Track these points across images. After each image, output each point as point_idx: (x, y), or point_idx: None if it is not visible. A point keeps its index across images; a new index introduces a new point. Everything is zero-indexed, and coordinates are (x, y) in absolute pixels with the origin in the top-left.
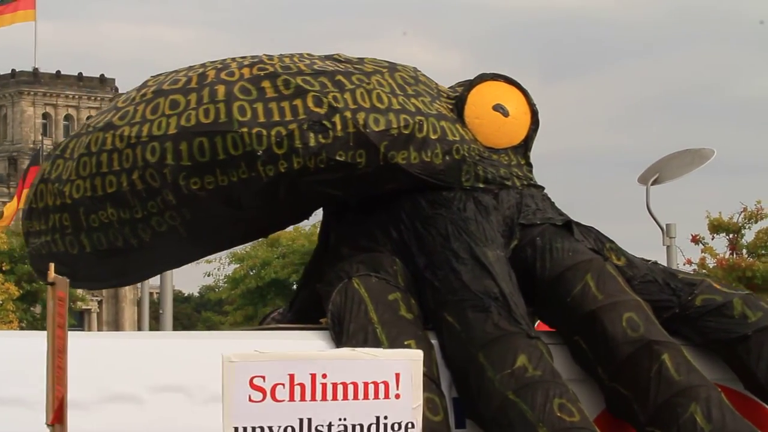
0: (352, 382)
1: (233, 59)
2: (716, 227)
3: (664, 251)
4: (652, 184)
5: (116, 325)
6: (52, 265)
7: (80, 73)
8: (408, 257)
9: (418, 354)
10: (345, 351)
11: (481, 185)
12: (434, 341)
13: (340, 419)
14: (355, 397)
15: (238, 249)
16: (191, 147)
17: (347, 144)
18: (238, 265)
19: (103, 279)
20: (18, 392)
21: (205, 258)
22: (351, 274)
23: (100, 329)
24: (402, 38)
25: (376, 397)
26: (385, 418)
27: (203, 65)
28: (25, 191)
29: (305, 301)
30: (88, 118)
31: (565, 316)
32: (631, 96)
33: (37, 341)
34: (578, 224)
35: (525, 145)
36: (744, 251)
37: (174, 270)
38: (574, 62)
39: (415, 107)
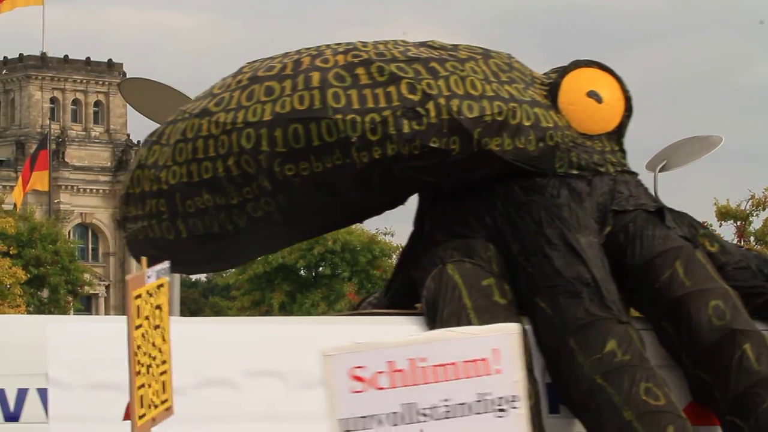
0: (451, 363)
1: (328, 46)
2: (724, 214)
3: None
4: (659, 171)
5: (123, 309)
6: (144, 259)
7: (88, 58)
8: (502, 243)
9: (513, 327)
10: (440, 332)
11: (575, 171)
12: (527, 326)
13: (443, 400)
14: (456, 377)
15: None
16: (286, 133)
17: (441, 131)
18: None
19: (199, 264)
20: (110, 377)
21: None
22: (445, 260)
23: (107, 314)
24: (406, 25)
25: (477, 374)
26: (489, 394)
27: (298, 52)
28: (35, 174)
29: (401, 285)
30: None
31: (653, 301)
32: (636, 83)
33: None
34: (671, 210)
35: (618, 132)
36: (752, 238)
37: None
38: (578, 50)
39: (509, 94)
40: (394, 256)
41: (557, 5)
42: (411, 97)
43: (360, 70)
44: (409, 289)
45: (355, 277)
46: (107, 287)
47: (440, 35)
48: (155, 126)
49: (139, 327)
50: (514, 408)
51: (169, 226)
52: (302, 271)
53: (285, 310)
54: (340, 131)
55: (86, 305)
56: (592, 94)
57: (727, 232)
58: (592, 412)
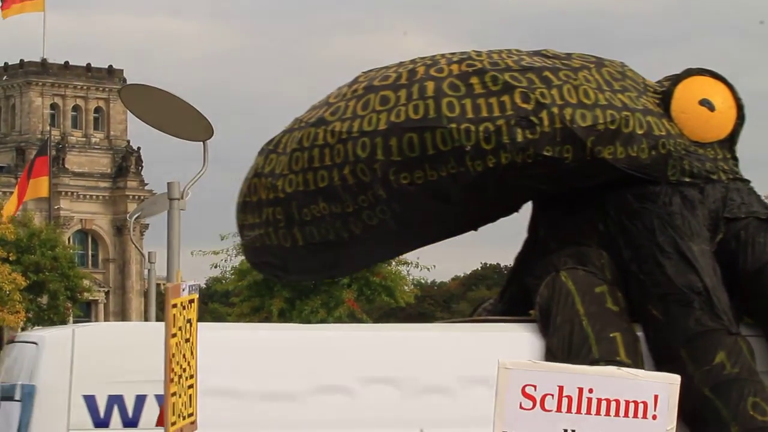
0: (614, 399)
1: (442, 55)
2: None
3: None
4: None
5: (123, 315)
6: (179, 272)
7: (88, 64)
8: (614, 250)
9: (675, 378)
10: (611, 369)
11: (687, 179)
12: (639, 333)
13: None
14: (617, 414)
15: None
16: (401, 142)
17: (554, 139)
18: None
19: (316, 271)
20: (230, 384)
21: (212, 249)
22: (559, 268)
23: (106, 320)
24: (404, 31)
25: (636, 416)
26: None
27: (413, 61)
28: (33, 181)
29: (515, 292)
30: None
31: (764, 308)
32: None
33: (245, 334)
34: None
35: (731, 139)
36: None
37: (180, 261)
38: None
39: (622, 102)
40: (394, 263)
41: (554, 11)
42: (524, 106)
43: (474, 80)
44: (523, 295)
45: (355, 283)
46: (107, 293)
47: (438, 40)
48: (156, 133)
49: (174, 336)
50: None
51: (286, 234)
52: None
53: (284, 316)
54: (455, 140)
55: (85, 311)
56: (705, 103)
57: None
58: (700, 424)
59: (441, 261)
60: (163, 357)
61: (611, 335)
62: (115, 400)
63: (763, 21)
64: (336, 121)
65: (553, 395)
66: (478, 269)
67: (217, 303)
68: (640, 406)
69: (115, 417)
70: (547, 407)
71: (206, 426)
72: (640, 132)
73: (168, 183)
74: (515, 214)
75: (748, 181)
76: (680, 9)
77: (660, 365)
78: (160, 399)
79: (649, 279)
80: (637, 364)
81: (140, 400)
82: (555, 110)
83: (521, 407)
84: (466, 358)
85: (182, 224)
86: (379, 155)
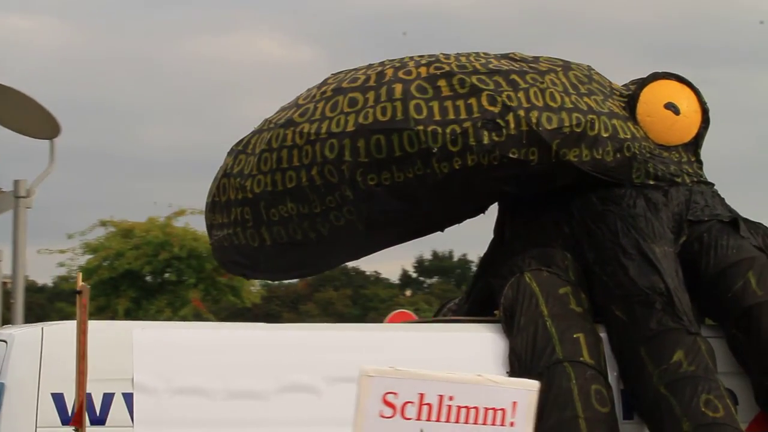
0: (474, 407)
1: (411, 58)
2: None
3: None
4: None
5: None
6: (80, 275)
7: None
8: (578, 252)
9: (534, 384)
10: (473, 376)
11: (652, 182)
12: (603, 334)
13: None
14: (476, 422)
15: (92, 239)
16: (368, 144)
17: (520, 142)
18: (92, 256)
19: (284, 270)
20: (196, 382)
21: (59, 248)
22: (523, 269)
23: None
24: (249, 33)
25: (494, 423)
26: None
27: (382, 63)
28: None
29: (481, 292)
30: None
31: (725, 310)
32: None
33: (212, 333)
34: (746, 221)
35: (695, 143)
36: None
37: (27, 259)
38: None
39: (588, 106)
40: None
41: (406, 13)
42: (491, 108)
43: (442, 82)
44: (488, 296)
45: (201, 283)
46: None
47: (284, 41)
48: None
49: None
50: None
51: (254, 234)
52: (148, 278)
53: (130, 315)
54: (422, 142)
55: None
56: (670, 106)
57: None
58: (656, 421)
59: None
60: (130, 355)
61: (575, 336)
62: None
63: (763, 21)
64: (304, 122)
65: (413, 403)
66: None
67: (64, 302)
68: (498, 413)
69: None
70: (407, 415)
71: (175, 424)
72: (605, 135)
73: (14, 181)
74: (482, 215)
75: (712, 184)
76: (536, 14)
77: (622, 365)
78: (128, 397)
79: (612, 280)
80: (600, 364)
81: (108, 398)
82: (521, 113)
83: (381, 415)
84: (431, 358)
85: (29, 222)
86: (346, 156)
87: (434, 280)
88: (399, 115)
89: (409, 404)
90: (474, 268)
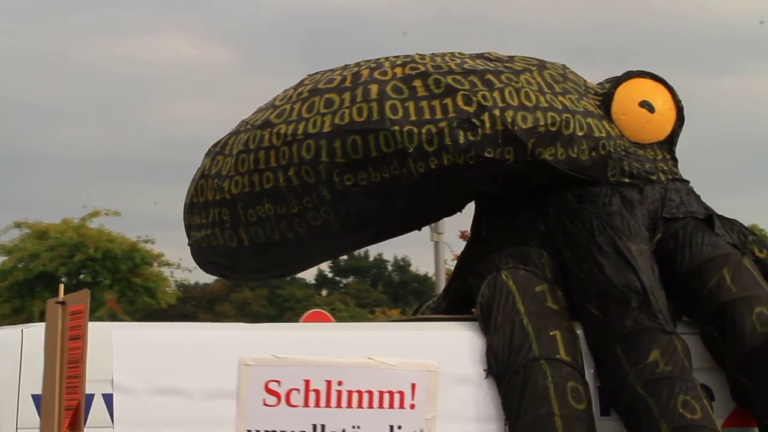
0: (367, 391)
1: (386, 59)
2: None
3: (432, 246)
4: None
5: None
6: (61, 287)
7: None
8: (555, 250)
9: (435, 366)
10: (362, 359)
11: (627, 180)
12: (579, 331)
13: (354, 426)
14: (370, 406)
15: (6, 241)
16: (345, 144)
17: (495, 141)
18: (6, 258)
19: (262, 271)
20: (176, 382)
21: None
22: (500, 267)
23: None
24: (166, 34)
25: (391, 406)
26: (399, 428)
27: (358, 64)
28: None
29: (458, 290)
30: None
31: (700, 307)
32: None
33: (191, 333)
34: (721, 218)
35: (670, 141)
36: None
37: None
38: (341, 58)
39: (563, 105)
40: (156, 264)
41: (320, 13)
42: (467, 108)
43: (417, 83)
44: (466, 294)
45: (116, 285)
46: None
47: (197, 42)
48: None
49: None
50: None
51: (232, 235)
52: (63, 279)
53: (44, 317)
54: (398, 142)
55: None
56: (645, 104)
57: None
58: (634, 420)
59: None
60: (109, 356)
61: (551, 333)
62: None
63: (763, 21)
64: (281, 123)
65: (299, 390)
66: None
67: None
68: (396, 396)
69: None
70: (293, 402)
71: (155, 425)
72: (580, 134)
73: None
74: (458, 214)
75: (687, 182)
76: (447, 16)
77: (599, 362)
78: (108, 398)
79: (588, 278)
80: (577, 361)
81: (88, 399)
82: (497, 112)
83: (265, 404)
84: (407, 356)
85: None
86: (323, 157)
87: (350, 279)
88: (375, 115)
89: (295, 391)
90: (390, 268)
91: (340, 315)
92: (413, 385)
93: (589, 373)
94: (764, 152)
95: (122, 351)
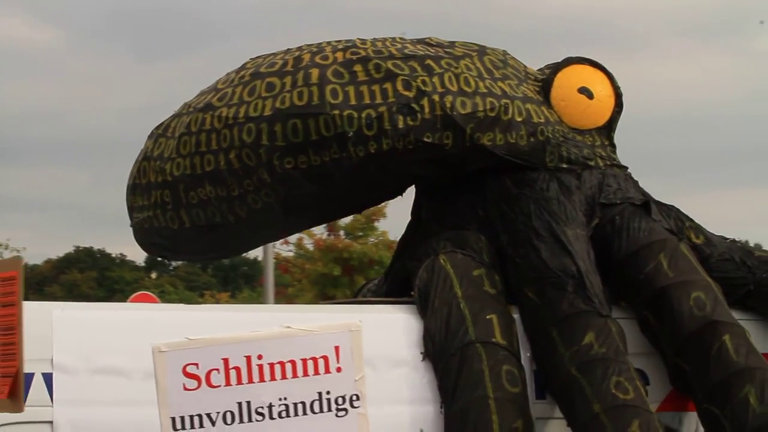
0: (289, 360)
1: (328, 43)
2: None
3: None
4: None
5: None
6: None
7: None
8: (493, 234)
9: (356, 325)
10: (279, 329)
11: (565, 165)
12: (516, 315)
13: (280, 399)
14: (294, 375)
15: None
16: (285, 128)
17: (435, 126)
18: None
19: (203, 252)
20: (115, 362)
21: None
22: (438, 251)
23: None
24: (14, 24)
25: (316, 372)
26: (328, 393)
27: (300, 48)
28: None
29: (398, 273)
30: None
31: (637, 292)
32: None
33: (133, 314)
34: (658, 203)
35: (609, 127)
36: (342, 233)
37: None
38: (173, 42)
39: (502, 90)
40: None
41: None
42: (406, 93)
43: (358, 67)
44: (406, 277)
45: None
46: None
47: (32, 23)
48: None
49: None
50: (354, 407)
51: (173, 216)
52: None
53: None
54: (338, 126)
55: None
56: (584, 90)
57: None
58: (567, 402)
59: (33, 243)
60: (49, 336)
61: (488, 317)
62: None
63: (763, 21)
64: (223, 106)
65: (218, 370)
66: (71, 252)
67: None
68: (320, 362)
69: None
70: (214, 383)
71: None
72: (519, 119)
73: None
74: (399, 197)
75: (625, 167)
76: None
77: (534, 346)
78: (48, 377)
79: (525, 262)
80: (513, 345)
81: (27, 378)
82: (436, 98)
83: (185, 388)
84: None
85: None
86: (264, 140)
87: (180, 263)
88: (315, 99)
89: (214, 372)
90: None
91: (169, 297)
92: (336, 348)
93: (525, 357)
94: None
95: (62, 331)
